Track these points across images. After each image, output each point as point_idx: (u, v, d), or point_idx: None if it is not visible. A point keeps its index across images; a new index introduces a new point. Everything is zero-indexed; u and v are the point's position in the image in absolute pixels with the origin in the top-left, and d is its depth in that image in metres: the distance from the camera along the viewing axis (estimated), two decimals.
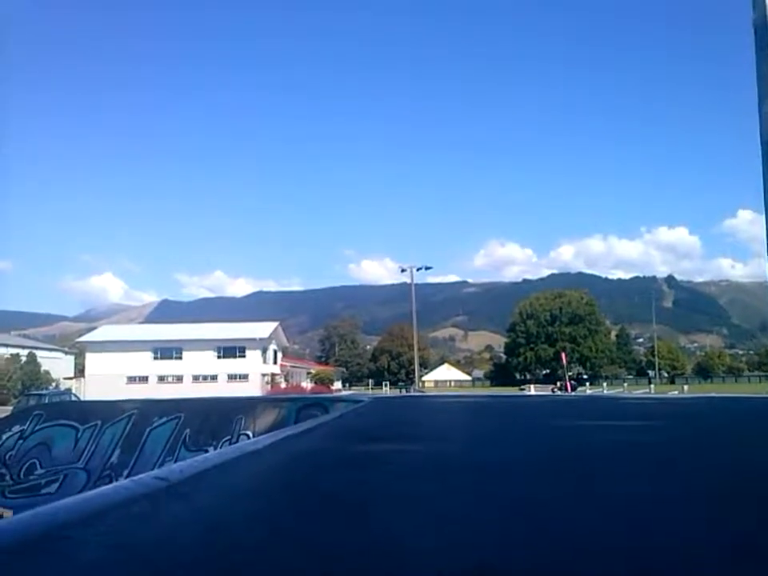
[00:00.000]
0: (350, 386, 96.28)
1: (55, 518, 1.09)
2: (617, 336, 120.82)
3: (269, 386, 66.93)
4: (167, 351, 69.65)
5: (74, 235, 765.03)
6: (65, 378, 72.62)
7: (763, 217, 11.79)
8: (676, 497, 1.42)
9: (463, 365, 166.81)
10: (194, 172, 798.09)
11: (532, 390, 48.72)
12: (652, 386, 58.48)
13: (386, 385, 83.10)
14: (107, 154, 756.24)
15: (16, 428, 11.68)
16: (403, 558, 0.92)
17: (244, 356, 69.83)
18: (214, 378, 67.56)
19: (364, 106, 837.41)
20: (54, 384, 69.34)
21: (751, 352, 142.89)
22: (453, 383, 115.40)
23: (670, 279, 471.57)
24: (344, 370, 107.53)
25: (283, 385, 71.41)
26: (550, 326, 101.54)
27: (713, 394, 17.54)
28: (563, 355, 53.27)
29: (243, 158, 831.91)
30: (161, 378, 67.18)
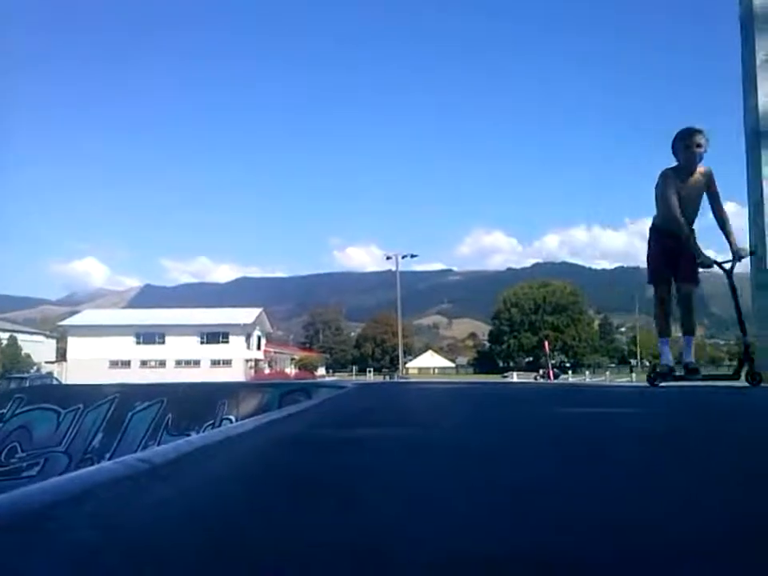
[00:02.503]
0: (333, 372, 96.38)
1: (42, 498, 1.07)
2: (600, 325, 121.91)
3: (252, 372, 66.90)
4: (150, 336, 69.40)
5: (58, 219, 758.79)
6: (46, 362, 72.12)
7: (746, 209, 11.90)
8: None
9: (447, 352, 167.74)
10: (178, 158, 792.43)
11: (515, 378, 49.03)
12: (633, 374, 59.02)
13: (370, 371, 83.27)
14: (92, 139, 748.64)
15: None
16: (389, 542, 0.90)
17: (227, 341, 69.75)
18: (197, 363, 67.42)
19: (351, 95, 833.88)
20: (35, 368, 68.88)
21: (731, 342, 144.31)
22: (437, 370, 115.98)
23: None
24: (328, 356, 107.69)
25: (267, 370, 71.39)
26: (534, 315, 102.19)
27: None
28: (546, 343, 53.46)
29: (229, 146, 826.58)
30: (143, 363, 66.87)
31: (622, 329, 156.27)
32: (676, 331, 7.11)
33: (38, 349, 76.46)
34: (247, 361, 69.31)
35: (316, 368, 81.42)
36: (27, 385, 28.55)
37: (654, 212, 6.66)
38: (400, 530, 0.98)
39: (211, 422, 9.69)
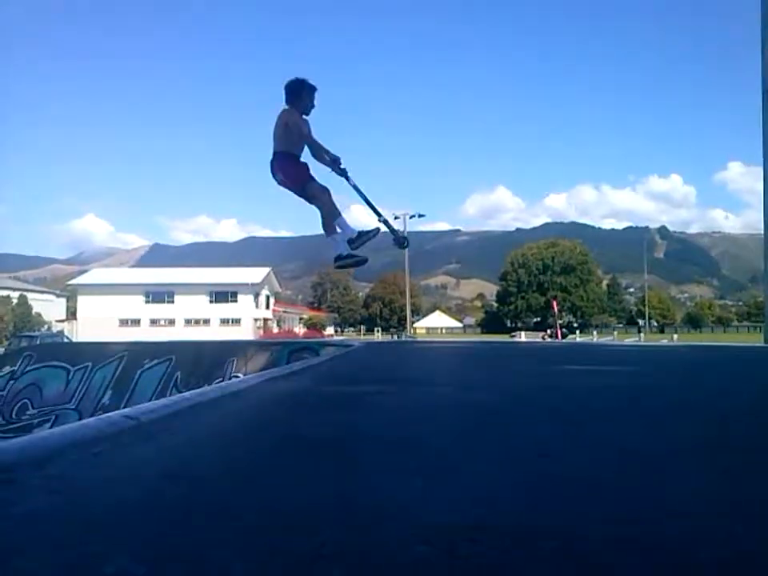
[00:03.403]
0: (342, 331, 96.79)
1: (1, 460, 1.00)
2: (608, 285, 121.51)
3: (261, 331, 67.18)
4: (159, 295, 69.52)
5: (57, 177, 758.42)
6: (57, 321, 72.54)
7: (761, 168, 11.67)
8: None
9: (455, 312, 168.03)
10: (177, 111, 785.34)
11: (522, 337, 49.07)
12: (642, 334, 58.94)
13: (377, 331, 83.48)
14: (85, 95, 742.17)
15: (6, 369, 11.68)
16: (389, 505, 0.86)
17: (236, 301, 69.86)
18: (206, 322, 67.69)
19: (358, 51, 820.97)
20: (45, 326, 69.31)
21: (740, 303, 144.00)
22: (444, 330, 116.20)
23: (662, 230, 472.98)
24: (336, 315, 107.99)
25: (275, 330, 71.73)
26: (542, 275, 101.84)
27: (698, 343, 17.68)
28: (554, 303, 53.39)
29: (226, 100, 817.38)
30: (153, 322, 67.23)
31: (631, 289, 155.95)
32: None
33: (48, 307, 76.76)
34: (256, 320, 69.53)
35: (324, 327, 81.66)
36: (38, 343, 28.80)
37: None
38: (395, 488, 0.97)
39: (219, 380, 9.72)
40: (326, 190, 6.61)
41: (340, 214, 6.69)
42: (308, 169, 6.66)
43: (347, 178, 6.70)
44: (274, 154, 6.66)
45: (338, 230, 6.61)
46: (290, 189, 6.74)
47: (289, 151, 6.60)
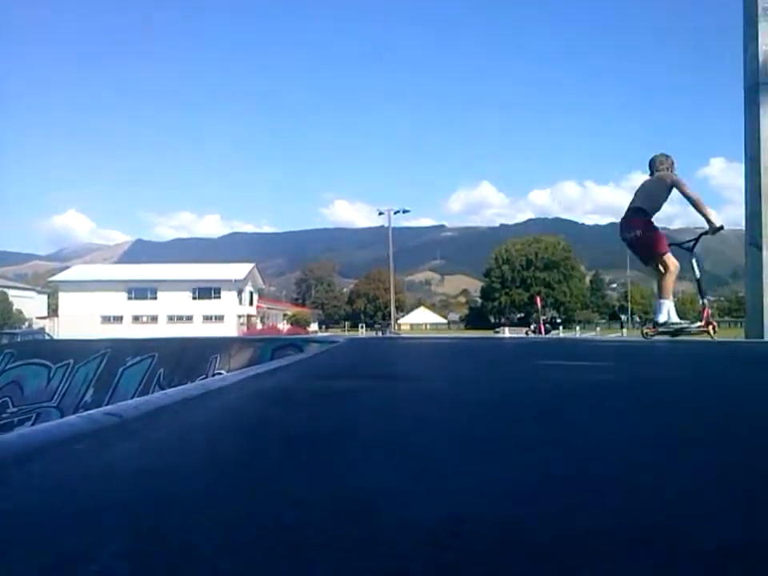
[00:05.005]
0: (326, 328, 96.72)
1: None
2: (591, 281, 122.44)
3: (244, 327, 66.99)
4: (142, 291, 69.16)
5: (38, 173, 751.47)
6: (38, 318, 71.91)
7: (742, 165, 11.77)
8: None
9: (439, 308, 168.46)
10: (161, 104, 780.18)
11: (506, 333, 49.24)
12: (624, 330, 59.34)
13: (362, 327, 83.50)
14: (66, 89, 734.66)
15: None
16: (375, 504, 0.84)
17: (219, 297, 69.64)
18: (189, 318, 67.44)
19: (341, 51, 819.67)
20: (26, 323, 68.68)
21: (722, 298, 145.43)
22: (429, 326, 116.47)
23: None
24: (320, 312, 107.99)
25: (259, 326, 71.57)
26: (525, 271, 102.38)
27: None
28: (538, 299, 53.66)
29: (213, 94, 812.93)
30: (135, 318, 66.90)
31: (614, 285, 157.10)
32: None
33: (29, 304, 76.11)
34: (239, 316, 69.33)
35: (308, 323, 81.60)
36: (18, 340, 28.45)
37: None
38: (379, 483, 0.96)
39: (203, 376, 9.65)
40: (674, 268, 6.87)
41: (671, 297, 7.02)
42: (666, 240, 6.90)
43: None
44: (636, 209, 6.79)
45: (666, 300, 6.96)
46: (637, 248, 6.93)
47: (650, 211, 6.74)
